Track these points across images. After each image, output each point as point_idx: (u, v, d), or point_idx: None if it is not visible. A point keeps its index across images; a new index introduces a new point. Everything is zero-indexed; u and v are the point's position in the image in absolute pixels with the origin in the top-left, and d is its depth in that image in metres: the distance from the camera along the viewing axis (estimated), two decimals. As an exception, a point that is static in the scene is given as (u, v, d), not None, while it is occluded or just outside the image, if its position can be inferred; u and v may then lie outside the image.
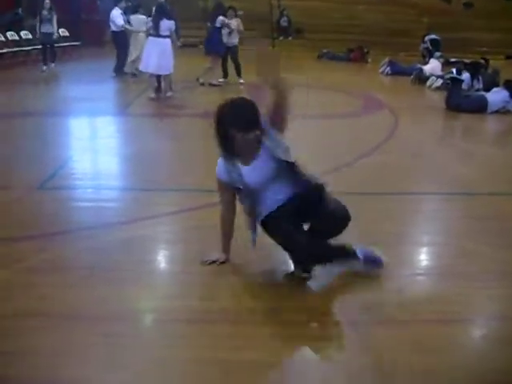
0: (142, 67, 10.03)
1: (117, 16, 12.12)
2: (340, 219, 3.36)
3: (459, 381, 2.54)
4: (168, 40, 9.55)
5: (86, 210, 4.51)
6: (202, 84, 11.23)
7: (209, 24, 11.67)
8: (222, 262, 3.47)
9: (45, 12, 12.95)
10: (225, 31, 11.21)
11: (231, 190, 3.38)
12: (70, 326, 2.89)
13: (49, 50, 13.30)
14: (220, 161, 3.35)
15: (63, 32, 16.74)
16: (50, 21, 12.98)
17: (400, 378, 2.52)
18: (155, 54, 9.47)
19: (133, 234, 3.35)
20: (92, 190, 5.09)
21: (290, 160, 3.28)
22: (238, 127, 3.14)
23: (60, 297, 3.12)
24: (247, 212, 3.36)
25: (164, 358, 2.65)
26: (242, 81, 11.27)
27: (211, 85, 11.11)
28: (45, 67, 12.96)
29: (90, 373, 2.53)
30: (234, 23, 11.41)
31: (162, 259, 3.68)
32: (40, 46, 13.58)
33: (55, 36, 13.46)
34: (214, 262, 3.46)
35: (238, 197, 3.39)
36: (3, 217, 4.28)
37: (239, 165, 3.28)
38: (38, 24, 13.14)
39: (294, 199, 3.25)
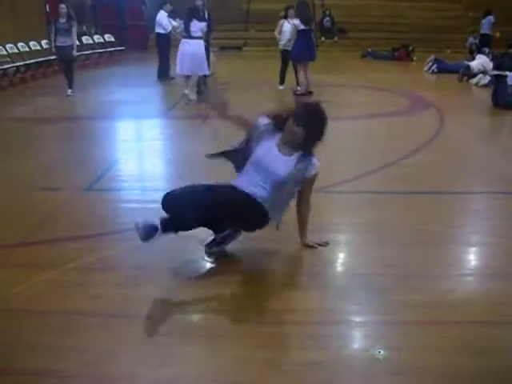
0: (177, 70, 9.99)
1: (163, 18, 12.29)
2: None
3: (508, 384, 2.49)
4: (200, 41, 9.63)
5: (132, 210, 4.59)
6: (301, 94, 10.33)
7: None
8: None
9: (62, 20, 10.33)
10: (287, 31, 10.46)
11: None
12: (118, 324, 2.96)
13: (65, 70, 10.76)
14: (265, 120, 3.67)
15: (109, 37, 17.09)
16: (67, 32, 10.32)
17: (446, 381, 2.48)
18: (188, 55, 9.55)
19: (178, 234, 3.40)
20: (138, 191, 5.18)
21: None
22: (295, 116, 3.50)
23: (109, 296, 3.20)
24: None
25: (207, 355, 2.68)
26: (281, 87, 10.99)
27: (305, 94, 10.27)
28: (69, 90, 10.50)
29: (137, 370, 2.58)
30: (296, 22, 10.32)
31: (208, 259, 3.71)
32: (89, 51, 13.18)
33: (74, 52, 10.57)
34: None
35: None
36: (53, 218, 4.40)
37: (275, 143, 3.57)
38: (52, 35, 10.51)
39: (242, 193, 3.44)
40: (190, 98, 9.67)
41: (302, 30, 10.09)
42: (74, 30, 10.41)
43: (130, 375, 2.54)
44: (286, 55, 10.70)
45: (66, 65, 10.67)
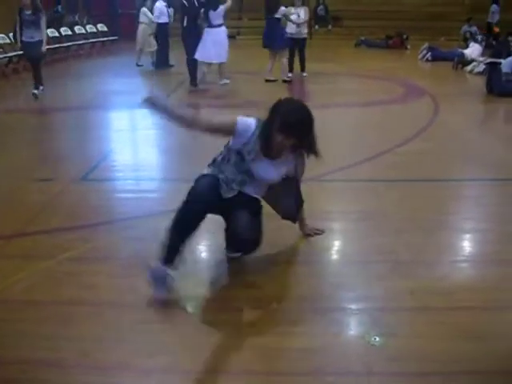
0: (197, 56, 9.88)
1: (162, 8, 12.26)
2: (244, 236, 3.16)
3: (504, 368, 2.50)
4: (222, 28, 9.68)
5: (127, 200, 4.59)
6: (285, 81, 10.62)
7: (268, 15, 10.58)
8: None
9: (27, 12, 8.60)
10: (295, 19, 10.46)
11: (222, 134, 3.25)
12: (114, 313, 2.96)
13: (32, 68, 9.16)
14: (252, 123, 3.18)
15: (102, 27, 16.99)
16: (34, 24, 8.65)
17: (443, 366, 2.49)
18: (210, 43, 9.59)
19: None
20: (133, 181, 5.17)
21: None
22: (285, 128, 3.06)
23: (104, 285, 3.20)
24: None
25: (203, 344, 2.68)
26: (305, 74, 11.01)
27: (268, 81, 10.55)
28: (37, 90, 9.00)
29: (133, 358, 2.58)
30: (302, 13, 10.58)
31: (203, 248, 3.71)
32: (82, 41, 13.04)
33: (43, 48, 8.88)
34: None
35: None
36: (48, 208, 4.39)
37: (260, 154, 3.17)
38: (17, 28, 8.84)
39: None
40: (224, 82, 9.94)
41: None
42: (43, 22, 8.73)
43: (127, 364, 2.54)
44: (291, 43, 10.63)
45: (34, 63, 9.09)
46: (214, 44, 9.62)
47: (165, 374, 2.49)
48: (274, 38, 10.35)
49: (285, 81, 10.54)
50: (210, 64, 9.90)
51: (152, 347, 2.65)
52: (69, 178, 5.04)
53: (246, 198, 3.23)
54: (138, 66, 12.91)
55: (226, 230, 3.32)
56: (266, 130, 3.12)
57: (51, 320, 2.88)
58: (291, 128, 3.05)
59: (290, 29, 10.56)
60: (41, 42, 8.77)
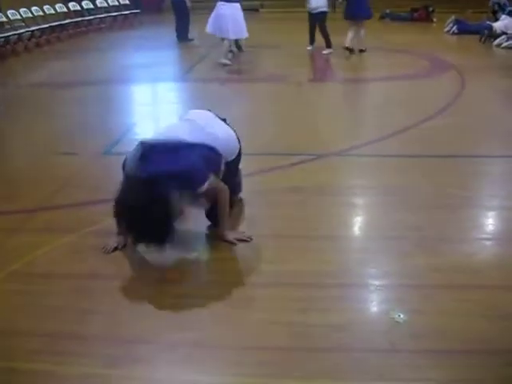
0: (208, 29, 9.69)
1: None
2: None
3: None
4: (237, 4, 9.47)
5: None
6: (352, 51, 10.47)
7: None
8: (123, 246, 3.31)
9: None
10: None
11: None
12: (137, 286, 2.98)
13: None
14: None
15: (123, 0, 16.89)
16: None
17: (467, 344, 2.47)
18: (229, 18, 9.31)
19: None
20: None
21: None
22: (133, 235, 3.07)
23: (127, 259, 3.21)
24: None
25: (231, 319, 2.69)
26: (326, 52, 10.58)
27: (347, 49, 10.37)
28: None
29: (159, 332, 2.60)
30: None
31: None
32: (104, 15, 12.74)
33: None
34: (115, 248, 3.28)
35: None
36: (71, 182, 4.42)
37: None
38: None
39: None
40: (224, 62, 9.54)
41: None
42: None
43: (152, 337, 2.56)
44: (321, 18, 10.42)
45: None
46: (233, 20, 9.33)
47: (191, 349, 2.50)
48: (361, 8, 10.31)
49: (361, 50, 10.48)
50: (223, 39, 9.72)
51: (179, 321, 2.67)
52: (92, 152, 5.06)
53: None
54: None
55: None
56: None
57: (75, 293, 2.91)
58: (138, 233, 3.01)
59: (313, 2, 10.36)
60: None
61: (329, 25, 10.51)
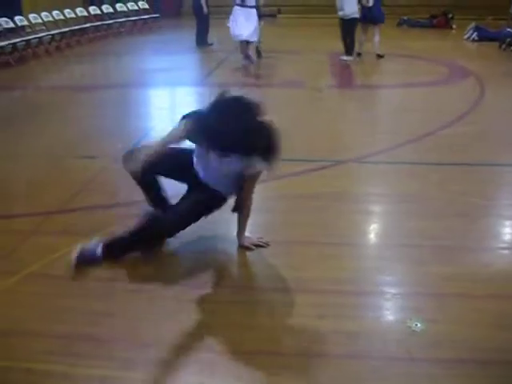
0: (234, 36, 9.82)
1: None
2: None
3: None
4: (254, 10, 9.54)
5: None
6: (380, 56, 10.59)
7: None
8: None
9: None
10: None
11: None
12: (157, 290, 2.99)
13: None
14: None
15: (143, 5, 17.02)
16: None
17: (483, 354, 2.45)
18: (242, 21, 9.46)
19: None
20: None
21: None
22: (214, 145, 2.90)
23: (146, 262, 3.23)
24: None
25: (247, 323, 2.70)
26: (345, 58, 10.50)
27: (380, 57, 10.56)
28: None
29: (176, 335, 2.61)
30: None
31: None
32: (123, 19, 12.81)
33: None
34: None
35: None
36: (89, 185, 4.46)
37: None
38: None
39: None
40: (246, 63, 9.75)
41: None
42: None
43: (167, 341, 2.57)
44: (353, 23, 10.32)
45: None
46: (247, 23, 9.44)
47: (207, 353, 2.51)
48: (376, 12, 10.37)
49: (379, 56, 10.55)
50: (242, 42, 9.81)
51: (194, 325, 2.69)
52: (111, 156, 5.08)
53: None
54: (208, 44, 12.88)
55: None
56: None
57: (92, 295, 2.93)
58: (215, 141, 2.86)
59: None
60: None
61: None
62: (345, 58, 10.49)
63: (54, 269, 3.17)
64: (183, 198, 3.25)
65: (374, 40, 10.48)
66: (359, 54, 10.67)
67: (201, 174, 3.20)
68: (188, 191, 3.30)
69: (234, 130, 2.76)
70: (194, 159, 3.26)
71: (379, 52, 10.53)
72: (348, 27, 10.39)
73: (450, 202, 4.04)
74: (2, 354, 2.51)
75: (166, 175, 3.35)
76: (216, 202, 3.21)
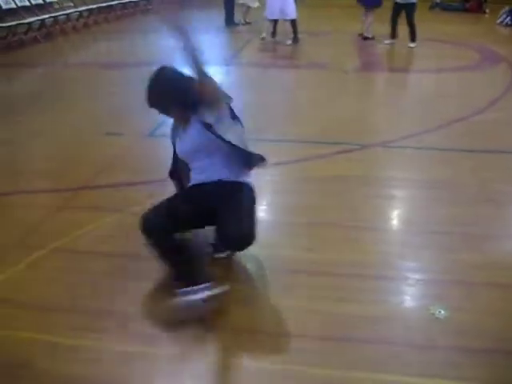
0: (268, 15, 10.19)
1: None
2: (236, 234, 2.66)
3: None
4: None
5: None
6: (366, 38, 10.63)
7: None
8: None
9: None
10: None
11: None
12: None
13: None
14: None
15: (172, -18, 16.92)
16: None
17: (506, 343, 2.42)
18: (278, 1, 9.77)
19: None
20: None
21: (235, 143, 2.86)
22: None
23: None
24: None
25: (268, 305, 2.70)
26: (412, 45, 10.04)
27: (365, 39, 10.60)
28: None
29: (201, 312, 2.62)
30: None
31: (268, 209, 3.69)
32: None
33: None
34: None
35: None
36: (116, 162, 4.48)
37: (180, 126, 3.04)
38: None
39: (211, 185, 2.91)
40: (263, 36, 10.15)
41: None
42: None
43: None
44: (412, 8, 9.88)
45: None
46: (282, 2, 9.75)
47: (228, 332, 2.51)
48: None
49: (365, 38, 10.61)
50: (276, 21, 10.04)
51: (214, 307, 2.68)
52: (137, 133, 5.11)
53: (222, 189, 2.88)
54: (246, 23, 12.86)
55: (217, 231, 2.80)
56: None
57: (117, 272, 2.95)
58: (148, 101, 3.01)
59: None
60: None
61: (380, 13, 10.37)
62: (411, 44, 10.03)
63: (80, 245, 3.20)
64: (235, 216, 2.73)
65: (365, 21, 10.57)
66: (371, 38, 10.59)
67: (203, 178, 2.98)
68: (227, 210, 2.76)
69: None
70: (192, 180, 3.08)
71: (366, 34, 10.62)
72: (401, 12, 9.93)
73: (479, 189, 3.97)
74: (27, 326, 2.55)
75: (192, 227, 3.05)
76: (251, 194, 2.94)
